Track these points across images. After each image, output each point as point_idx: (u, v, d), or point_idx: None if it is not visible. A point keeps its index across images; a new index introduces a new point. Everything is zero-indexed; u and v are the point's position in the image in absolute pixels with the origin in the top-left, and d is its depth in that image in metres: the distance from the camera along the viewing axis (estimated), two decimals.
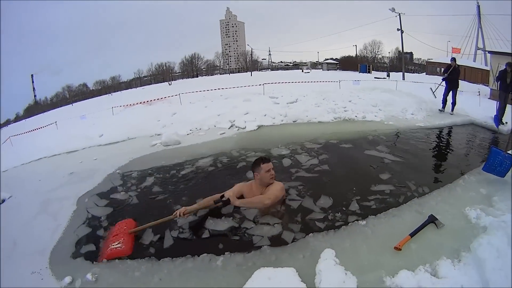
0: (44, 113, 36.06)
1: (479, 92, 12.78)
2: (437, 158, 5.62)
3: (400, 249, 2.67)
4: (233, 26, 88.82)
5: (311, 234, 2.98)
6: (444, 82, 9.59)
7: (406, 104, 9.56)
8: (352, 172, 4.63)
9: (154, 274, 2.55)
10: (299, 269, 2.45)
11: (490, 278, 2.26)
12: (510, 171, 4.02)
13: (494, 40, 33.70)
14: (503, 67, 8.42)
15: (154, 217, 3.31)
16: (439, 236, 2.88)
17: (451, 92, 9.23)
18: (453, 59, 9.70)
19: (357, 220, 3.19)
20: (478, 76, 24.68)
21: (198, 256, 2.72)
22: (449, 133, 7.39)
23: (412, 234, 2.83)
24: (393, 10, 28.92)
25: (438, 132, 7.37)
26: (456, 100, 9.19)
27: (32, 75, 53.49)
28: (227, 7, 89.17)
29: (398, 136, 6.87)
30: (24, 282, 2.66)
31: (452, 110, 9.10)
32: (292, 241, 2.93)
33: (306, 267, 2.51)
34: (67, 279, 2.57)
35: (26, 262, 2.93)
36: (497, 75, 9.15)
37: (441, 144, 6.44)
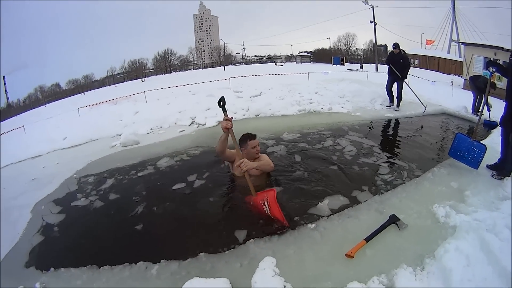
0: (17, 116, 34.95)
1: (451, 82, 13.01)
2: (404, 150, 5.34)
3: (352, 257, 2.38)
4: (206, 21, 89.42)
5: (252, 239, 2.74)
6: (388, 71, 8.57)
7: (375, 95, 9.48)
8: (305, 170, 4.29)
9: (94, 283, 2.55)
10: (234, 280, 2.32)
11: None
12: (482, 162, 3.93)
13: (467, 32, 35.03)
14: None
15: (112, 221, 3.49)
16: (401, 239, 2.61)
17: (395, 84, 8.45)
18: (395, 45, 8.41)
19: (305, 223, 2.88)
20: (452, 67, 25.74)
21: (136, 264, 2.65)
22: (419, 124, 7.28)
23: (368, 239, 2.53)
24: (366, 2, 29.28)
25: (407, 123, 7.29)
26: (402, 94, 8.40)
27: (3, 77, 50.75)
28: (200, 1, 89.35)
29: (364, 127, 6.69)
30: None
31: (398, 105, 8.45)
32: (230, 248, 2.71)
33: (242, 277, 2.35)
34: None
35: None
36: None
37: (409, 135, 6.25)
